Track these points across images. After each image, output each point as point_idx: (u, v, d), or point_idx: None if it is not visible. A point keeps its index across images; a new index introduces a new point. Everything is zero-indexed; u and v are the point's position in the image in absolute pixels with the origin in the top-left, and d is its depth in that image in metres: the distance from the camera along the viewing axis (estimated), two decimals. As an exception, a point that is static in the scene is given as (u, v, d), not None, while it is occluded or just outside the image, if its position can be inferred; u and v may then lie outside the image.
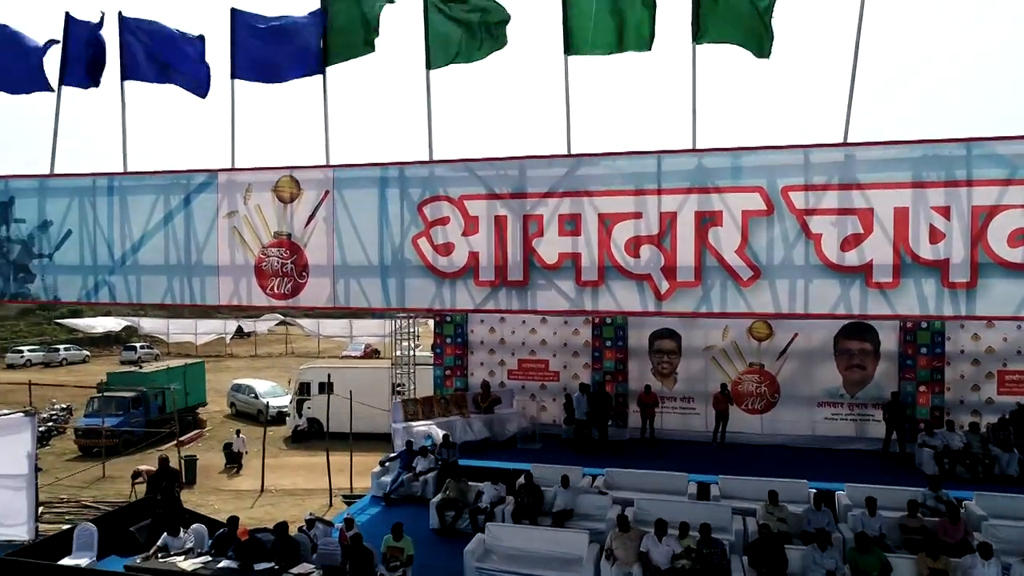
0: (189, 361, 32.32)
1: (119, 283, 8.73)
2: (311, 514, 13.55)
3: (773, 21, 7.36)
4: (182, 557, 11.29)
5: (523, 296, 7.53)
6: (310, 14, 8.32)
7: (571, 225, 7.37)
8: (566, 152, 7.52)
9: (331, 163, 8.20)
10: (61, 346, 50.07)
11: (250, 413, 33.58)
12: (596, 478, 14.66)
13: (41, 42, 9.10)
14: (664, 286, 7.17)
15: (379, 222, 7.89)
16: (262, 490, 23.76)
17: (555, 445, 17.81)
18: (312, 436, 28.58)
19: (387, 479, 16.35)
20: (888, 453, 15.60)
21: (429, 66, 8.05)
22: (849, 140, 7.02)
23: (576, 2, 7.59)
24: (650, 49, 7.66)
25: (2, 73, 9.05)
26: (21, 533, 15.00)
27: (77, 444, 28.10)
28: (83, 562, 13.37)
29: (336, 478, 22.91)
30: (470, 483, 14.13)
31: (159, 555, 11.49)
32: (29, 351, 47.35)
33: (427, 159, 7.88)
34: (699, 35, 7.49)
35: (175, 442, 27.15)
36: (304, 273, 8.15)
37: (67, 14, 8.90)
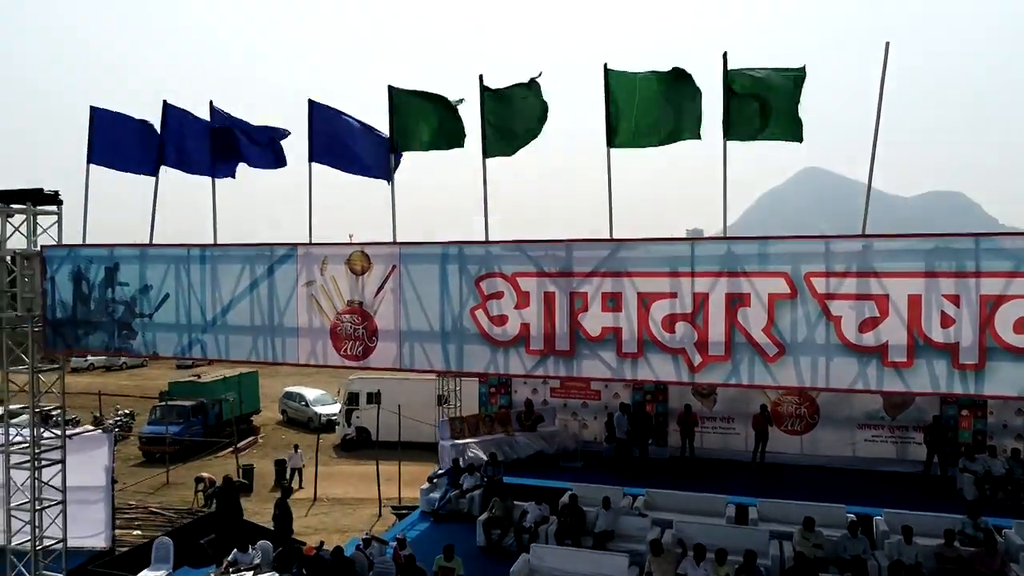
0: (243, 370, 33.96)
1: (210, 341, 9.88)
2: (367, 533, 14.67)
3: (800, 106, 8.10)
4: (251, 573, 12.47)
5: (569, 364, 8.42)
6: (380, 133, 9.40)
7: (613, 302, 8.22)
8: (608, 236, 8.38)
9: (398, 240, 9.18)
10: (122, 350, 52.60)
11: (300, 420, 35.11)
12: (636, 498, 15.44)
13: (142, 123, 10.31)
14: (697, 359, 7.98)
15: (440, 294, 8.86)
16: (315, 499, 25.05)
17: (596, 463, 18.60)
18: (360, 445, 29.93)
19: (435, 495, 17.42)
20: (929, 477, 15.85)
21: (486, 155, 8.98)
22: (867, 231, 7.73)
23: (616, 99, 8.43)
24: (699, 137, 8.49)
25: (113, 153, 10.28)
26: (99, 541, 16.45)
27: (141, 450, 29.91)
28: (161, 574, 14.72)
29: (385, 487, 24.09)
30: (515, 502, 15.07)
31: (230, 570, 12.68)
32: (92, 355, 50.00)
33: (483, 239, 8.81)
34: (729, 132, 8.27)
35: (231, 449, 28.73)
36: (374, 338, 9.16)
37: (165, 102, 10.07)
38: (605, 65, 8.43)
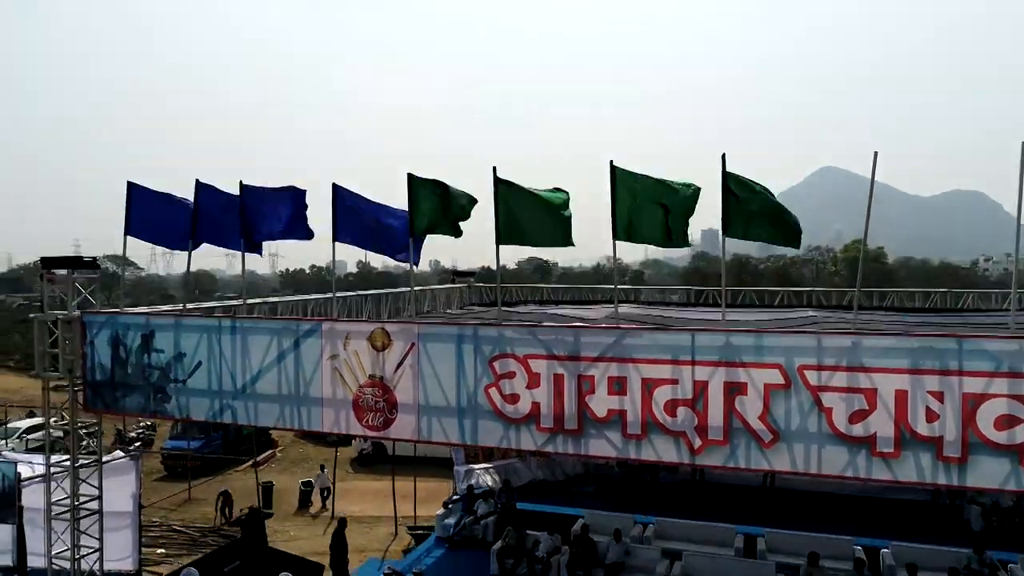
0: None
1: (240, 407, 10.52)
2: (390, 568, 15.36)
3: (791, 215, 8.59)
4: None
5: (577, 443, 8.98)
6: (401, 212, 9.94)
7: (618, 386, 8.77)
8: (615, 324, 8.92)
9: (416, 319, 9.76)
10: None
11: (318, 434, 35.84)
12: (647, 527, 15.98)
13: (176, 200, 10.96)
14: (697, 442, 8.51)
15: (456, 372, 9.43)
16: (332, 516, 25.68)
17: (608, 487, 19.14)
18: (376, 459, 30.59)
19: (450, 521, 18.07)
20: (938, 505, 16.17)
21: (499, 242, 9.53)
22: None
23: (620, 199, 8.95)
24: (688, 245, 8.98)
25: (149, 227, 10.97)
26: (127, 564, 17.23)
27: (163, 464, 30.72)
28: (188, 603, 15.43)
29: (401, 504, 24.66)
30: (527, 531, 15.68)
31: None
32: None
33: (496, 321, 9.37)
34: (728, 229, 8.77)
35: (251, 463, 29.49)
36: (394, 410, 9.76)
37: (197, 181, 10.69)
38: (611, 162, 8.94)
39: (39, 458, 15.91)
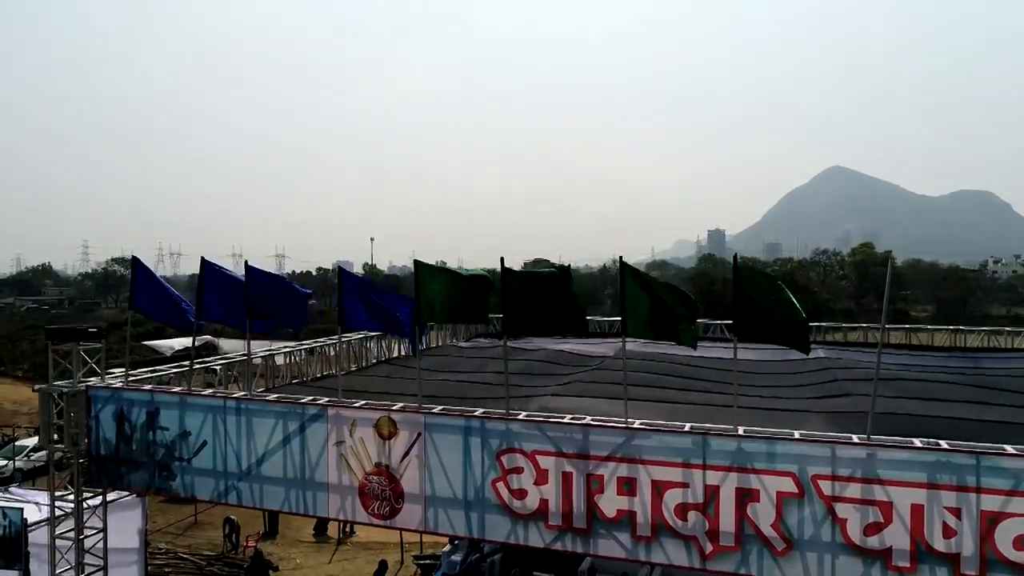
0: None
1: (245, 488, 10.43)
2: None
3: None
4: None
5: (586, 542, 8.86)
6: (404, 298, 9.83)
7: (628, 487, 8.63)
8: (624, 424, 8.78)
9: (423, 409, 9.64)
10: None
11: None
12: (655, 568, 15.80)
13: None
14: (708, 547, 8.37)
15: (463, 464, 9.32)
16: (339, 542, 25.55)
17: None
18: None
19: (456, 558, 18.00)
20: None
21: (506, 333, 9.38)
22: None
23: (629, 296, 8.82)
24: (695, 348, 8.85)
25: (153, 304, 10.91)
26: (134, 600, 17.17)
27: (172, 485, 30.61)
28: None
29: (408, 533, 24.47)
30: (534, 572, 15.59)
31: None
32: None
33: (504, 415, 9.24)
34: (737, 332, 8.64)
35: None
36: (400, 500, 9.65)
37: (203, 259, 10.60)
38: (620, 258, 8.81)
39: (44, 496, 15.82)
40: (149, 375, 12.53)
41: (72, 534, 11.75)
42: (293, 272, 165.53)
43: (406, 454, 9.59)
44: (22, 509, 16.81)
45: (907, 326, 21.81)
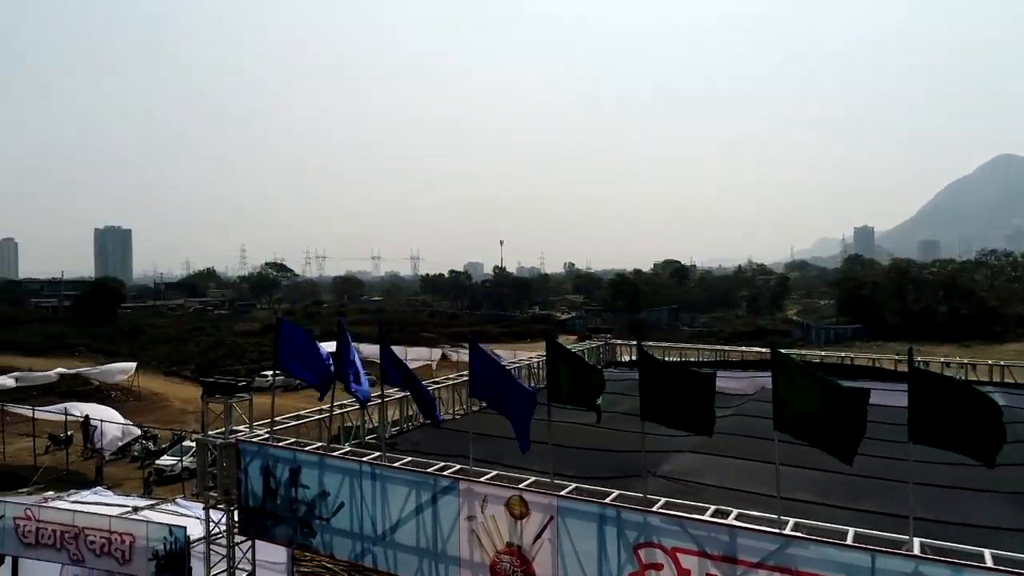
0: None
1: (380, 553, 10.56)
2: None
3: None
4: None
5: (733, 652, 8.13)
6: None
7: (781, 599, 7.83)
8: (777, 530, 7.97)
9: (556, 491, 9.29)
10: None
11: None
12: None
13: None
14: (875, 676, 7.42)
15: (598, 554, 8.87)
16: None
17: None
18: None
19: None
20: None
21: (644, 418, 8.83)
22: None
23: (781, 387, 8.02)
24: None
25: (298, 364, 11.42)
26: (285, 618, 18.01)
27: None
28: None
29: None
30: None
31: None
32: (274, 375, 54.19)
33: (642, 507, 8.70)
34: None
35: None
36: (532, 582, 9.36)
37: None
38: (772, 342, 8.02)
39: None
40: (294, 423, 13.06)
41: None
42: (427, 275, 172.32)
43: (538, 536, 9.29)
44: (186, 527, 18.19)
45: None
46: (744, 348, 26.69)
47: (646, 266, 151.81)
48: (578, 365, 9.42)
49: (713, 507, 8.63)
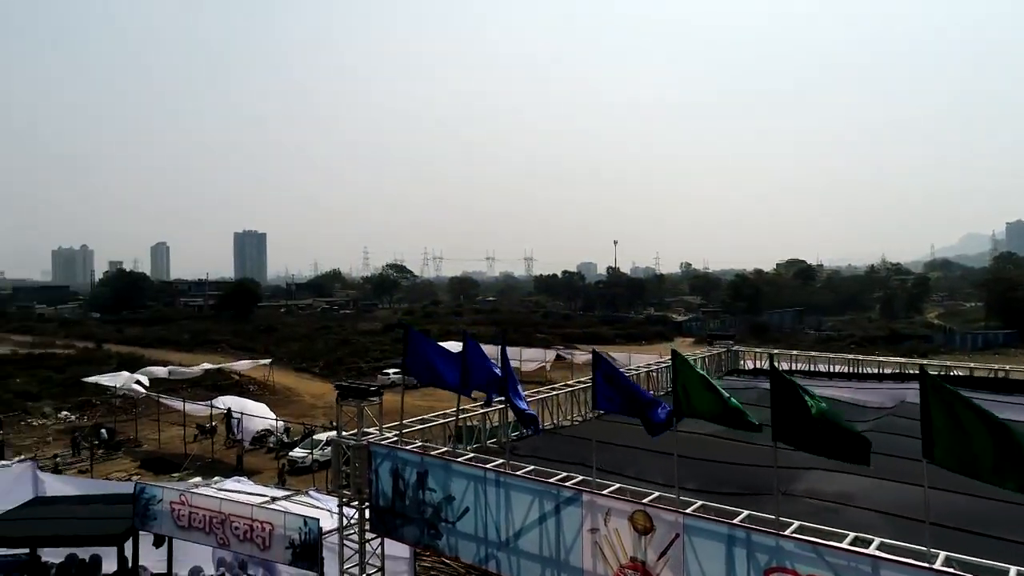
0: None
1: (503, 559, 10.77)
2: None
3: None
4: None
5: None
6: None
7: (930, 638, 7.30)
8: (926, 563, 7.44)
9: (681, 508, 9.12)
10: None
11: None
12: None
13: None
14: None
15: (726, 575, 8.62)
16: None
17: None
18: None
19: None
20: None
21: (776, 440, 8.50)
22: None
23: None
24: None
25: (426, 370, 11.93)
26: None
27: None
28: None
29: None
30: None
31: None
32: (394, 374, 56.16)
33: (774, 530, 8.37)
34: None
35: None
36: (657, 599, 9.23)
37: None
38: (923, 367, 7.47)
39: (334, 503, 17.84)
40: (420, 426, 13.57)
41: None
42: (540, 275, 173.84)
43: (663, 554, 9.15)
44: (318, 519, 19.28)
45: None
46: (882, 358, 25.05)
47: (767, 266, 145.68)
48: (703, 381, 9.17)
49: (852, 534, 8.17)
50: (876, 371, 22.57)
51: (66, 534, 17.73)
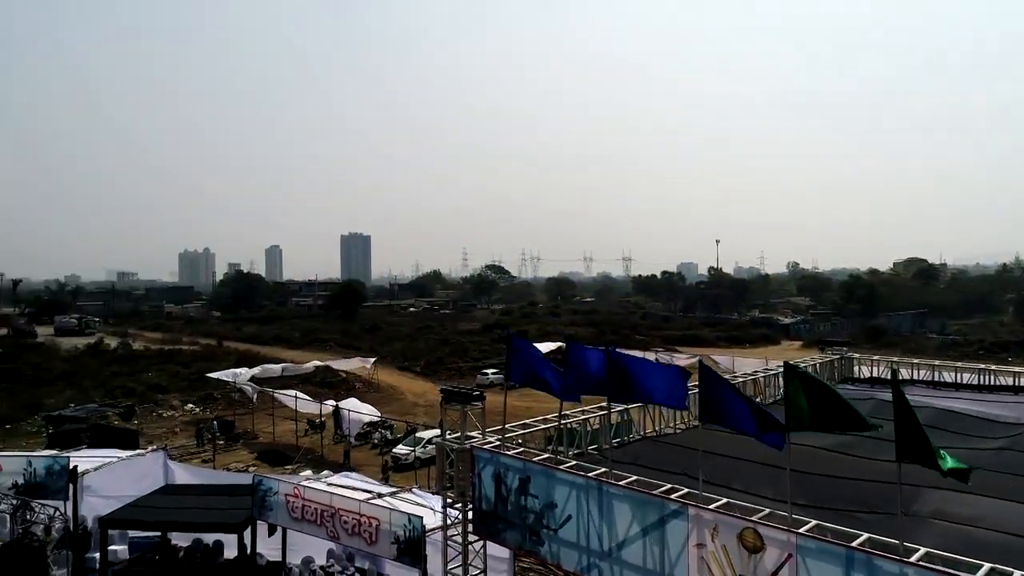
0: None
1: (606, 568, 10.67)
2: None
3: None
4: None
5: None
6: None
7: None
8: None
9: (795, 528, 8.72)
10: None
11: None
12: None
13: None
14: None
15: (845, 601, 8.17)
16: None
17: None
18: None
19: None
20: None
21: (899, 458, 7.98)
22: None
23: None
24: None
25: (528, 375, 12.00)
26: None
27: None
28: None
29: None
30: None
31: None
32: (493, 374, 57.02)
33: (898, 556, 7.86)
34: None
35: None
36: (767, 622, 8.87)
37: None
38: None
39: (437, 501, 18.27)
40: (521, 431, 13.68)
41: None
42: (639, 275, 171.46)
43: (774, 574, 8.78)
44: (422, 517, 19.79)
45: None
46: (1017, 368, 23.01)
47: (883, 265, 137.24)
48: (819, 389, 8.71)
49: (988, 565, 7.56)
50: (1011, 382, 20.76)
51: (193, 521, 19.02)
